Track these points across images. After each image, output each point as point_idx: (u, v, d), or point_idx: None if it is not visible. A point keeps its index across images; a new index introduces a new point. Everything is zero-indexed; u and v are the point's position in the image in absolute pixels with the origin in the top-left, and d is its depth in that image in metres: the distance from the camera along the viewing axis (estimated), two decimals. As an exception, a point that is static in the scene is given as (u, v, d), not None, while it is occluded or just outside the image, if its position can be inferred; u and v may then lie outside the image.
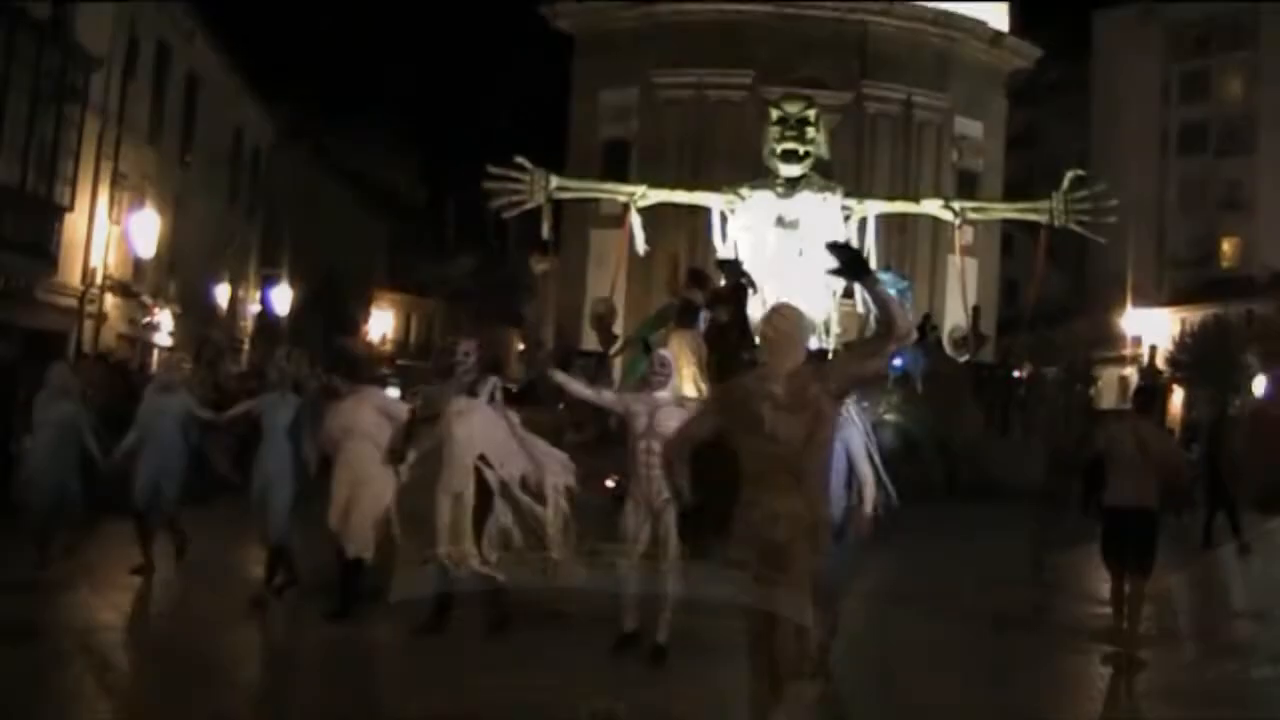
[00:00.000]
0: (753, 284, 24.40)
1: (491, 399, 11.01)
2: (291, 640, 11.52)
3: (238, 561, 14.22)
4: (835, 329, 27.52)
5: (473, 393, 10.88)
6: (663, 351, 11.17)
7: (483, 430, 10.79)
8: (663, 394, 10.30)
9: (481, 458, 10.74)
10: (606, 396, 10.99)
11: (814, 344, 25.10)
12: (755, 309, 25.24)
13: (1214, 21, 69.25)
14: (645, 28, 41.97)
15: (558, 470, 11.18)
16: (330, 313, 51.76)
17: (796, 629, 6.36)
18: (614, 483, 14.38)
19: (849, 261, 6.65)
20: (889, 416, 22.84)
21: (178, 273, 36.33)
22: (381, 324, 67.42)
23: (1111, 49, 71.01)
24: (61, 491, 13.60)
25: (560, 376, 11.24)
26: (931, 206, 30.95)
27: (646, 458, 10.09)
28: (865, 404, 10.04)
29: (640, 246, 29.34)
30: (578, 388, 11.03)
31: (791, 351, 6.63)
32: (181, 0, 35.80)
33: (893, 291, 22.82)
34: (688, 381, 18.86)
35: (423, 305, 72.51)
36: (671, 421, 9.66)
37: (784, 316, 6.75)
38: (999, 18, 44.18)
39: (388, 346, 67.14)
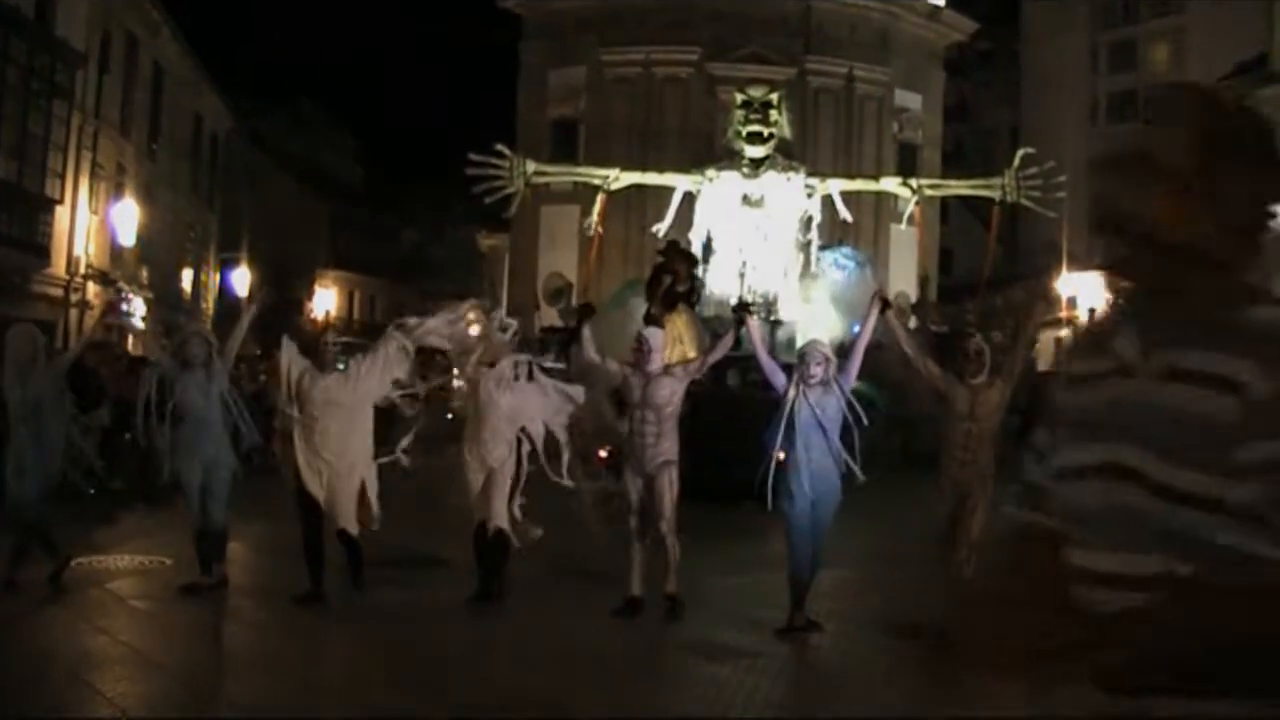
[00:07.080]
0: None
1: (530, 377, 11.55)
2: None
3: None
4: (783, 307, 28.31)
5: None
6: (644, 332, 11.50)
7: (519, 404, 11.22)
8: (653, 366, 10.66)
9: (523, 429, 11.21)
10: (611, 365, 11.08)
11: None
12: (721, 281, 26.71)
13: (1139, -10, 70.42)
14: (593, 8, 42.92)
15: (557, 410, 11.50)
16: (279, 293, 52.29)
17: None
18: (607, 453, 15.29)
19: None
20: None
21: (148, 260, 37.00)
22: (325, 302, 67.90)
23: (1040, 19, 72.00)
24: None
25: (585, 333, 11.43)
26: (890, 184, 32.02)
27: (640, 426, 10.62)
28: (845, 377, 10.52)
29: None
30: (590, 351, 11.24)
31: None
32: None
33: (853, 265, 24.16)
34: (692, 351, 20.18)
35: (365, 283, 73.06)
36: (663, 391, 10.54)
37: None
38: (937, -8, 45.42)
39: (331, 324, 67.46)
